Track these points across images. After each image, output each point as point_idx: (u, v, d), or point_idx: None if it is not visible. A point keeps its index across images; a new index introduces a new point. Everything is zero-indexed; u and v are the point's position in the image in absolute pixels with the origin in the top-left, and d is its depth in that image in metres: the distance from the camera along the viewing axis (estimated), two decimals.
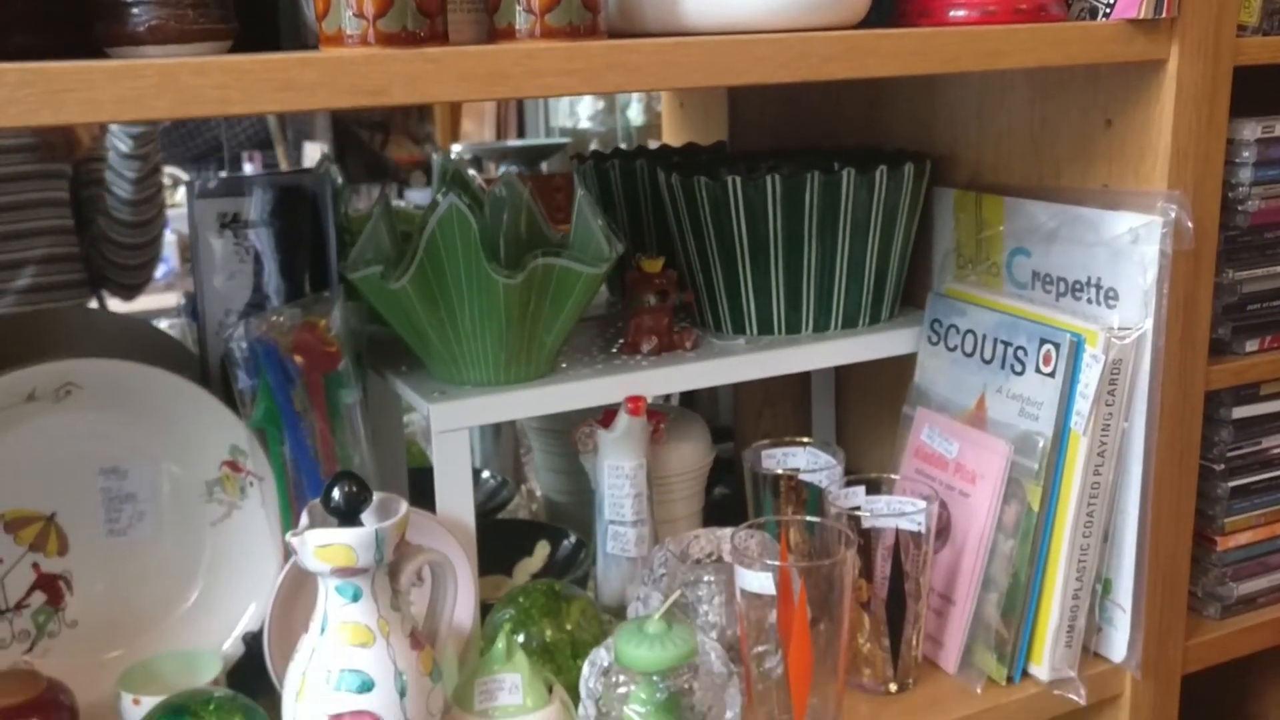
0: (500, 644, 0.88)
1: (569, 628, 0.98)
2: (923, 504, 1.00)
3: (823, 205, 1.06)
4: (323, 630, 0.78)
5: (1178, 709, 1.09)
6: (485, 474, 1.50)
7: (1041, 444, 0.98)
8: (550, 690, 0.89)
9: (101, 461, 1.00)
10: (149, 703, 0.89)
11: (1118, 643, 1.04)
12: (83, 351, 0.97)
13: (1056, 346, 0.98)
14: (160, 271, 2.31)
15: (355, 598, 0.77)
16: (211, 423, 1.00)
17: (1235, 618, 1.13)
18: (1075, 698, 1.01)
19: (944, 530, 1.05)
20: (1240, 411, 1.09)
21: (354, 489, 0.78)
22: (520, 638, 0.96)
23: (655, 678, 0.87)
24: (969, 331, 1.08)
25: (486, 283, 0.93)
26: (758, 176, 1.05)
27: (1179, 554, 1.04)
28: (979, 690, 1.01)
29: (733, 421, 1.50)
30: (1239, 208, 1.03)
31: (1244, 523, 1.12)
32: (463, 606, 0.97)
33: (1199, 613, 1.13)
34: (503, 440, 1.56)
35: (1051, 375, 0.99)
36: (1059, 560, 0.99)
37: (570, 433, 1.12)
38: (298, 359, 0.99)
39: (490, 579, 1.16)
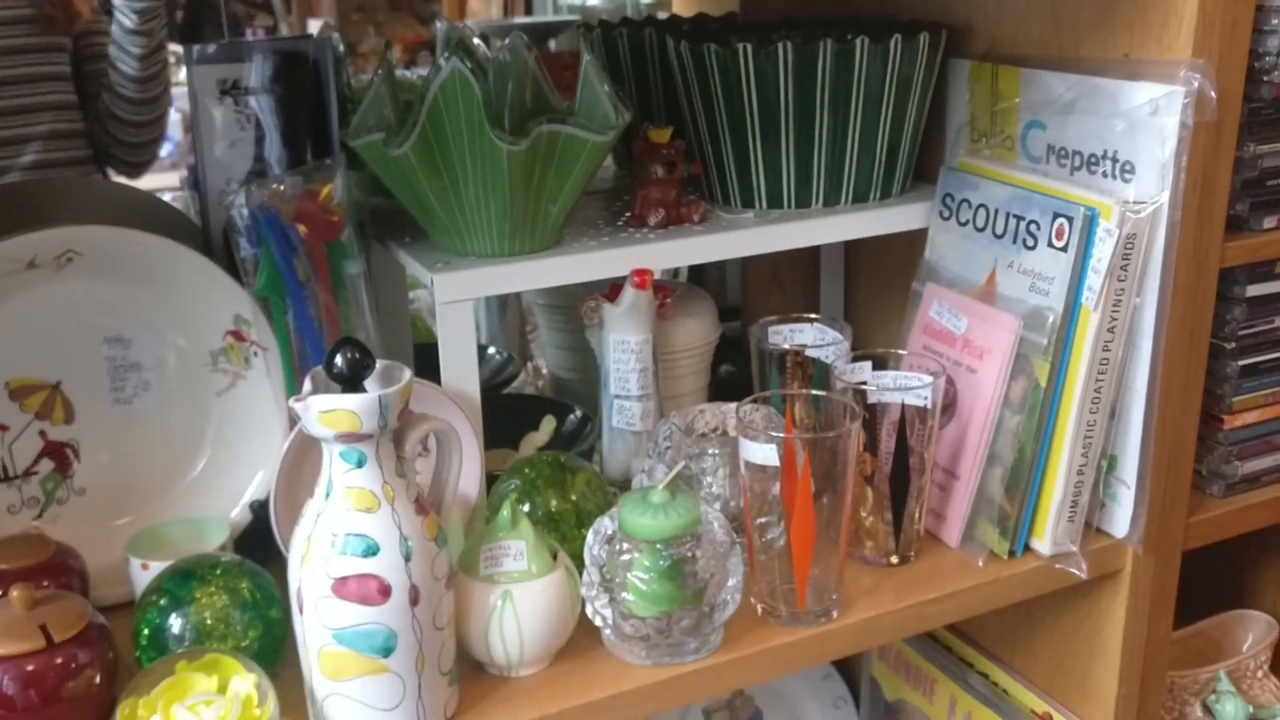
0: (505, 511, 0.88)
1: (574, 498, 0.99)
2: (929, 379, 0.99)
3: (835, 76, 1.03)
4: (327, 495, 0.78)
5: (1177, 585, 1.10)
6: (491, 350, 1.50)
7: (1051, 319, 0.97)
8: (555, 557, 0.89)
9: (105, 330, 1.00)
10: (157, 567, 0.90)
11: (1120, 518, 1.04)
12: (84, 220, 0.96)
13: (1070, 220, 0.97)
14: (165, 150, 2.28)
15: (360, 463, 0.77)
16: (214, 291, 0.99)
17: (1238, 496, 1.13)
18: (1076, 572, 1.01)
19: (950, 406, 1.05)
20: (1254, 289, 1.08)
21: (357, 355, 0.77)
22: (525, 507, 0.97)
23: (658, 546, 0.87)
24: (981, 206, 1.06)
25: (489, 150, 0.91)
26: (769, 45, 1.02)
27: (1186, 432, 1.04)
28: (980, 563, 1.01)
29: (740, 301, 1.49)
30: (1264, 78, 1.00)
31: (1252, 402, 1.11)
32: (468, 477, 0.98)
33: (1202, 491, 1.13)
34: (508, 317, 1.55)
35: (1064, 250, 0.97)
36: (1065, 436, 0.99)
37: (575, 308, 1.11)
38: (300, 227, 0.98)
39: (496, 453, 1.16)
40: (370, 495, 0.77)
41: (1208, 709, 1.23)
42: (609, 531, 0.90)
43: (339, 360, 0.77)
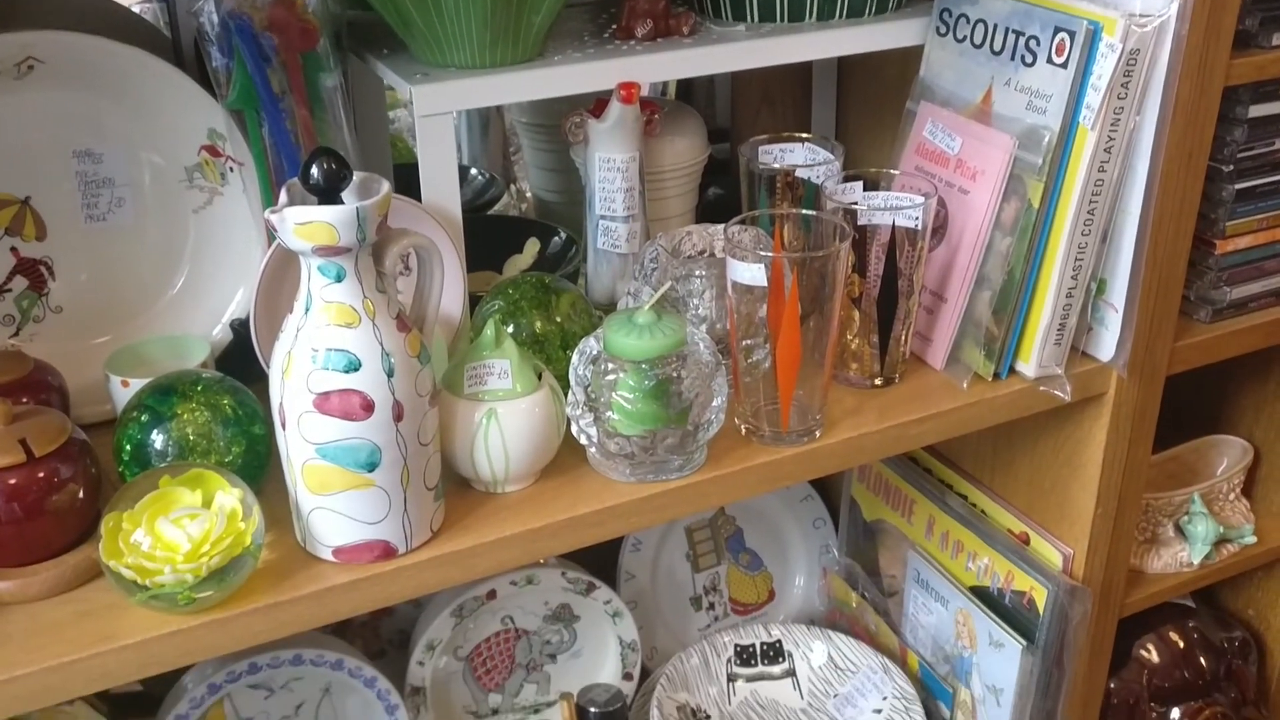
0: (489, 330, 0.87)
1: (558, 320, 0.98)
2: (920, 200, 0.98)
3: None
4: (307, 310, 0.77)
5: (1159, 410, 1.10)
6: (473, 171, 1.47)
7: (1047, 139, 0.95)
8: (539, 377, 0.89)
9: (73, 144, 0.97)
10: (137, 384, 0.89)
11: (1107, 342, 1.04)
12: (44, 26, 0.92)
13: (1071, 35, 0.93)
14: None
15: (339, 278, 0.76)
16: (187, 104, 0.96)
17: (1224, 322, 1.13)
18: (1060, 394, 1.02)
19: (940, 228, 1.03)
20: (1257, 110, 1.05)
21: (333, 165, 0.75)
22: (510, 328, 0.96)
23: (643, 366, 0.87)
24: (980, 21, 1.02)
25: None
26: None
27: (1177, 256, 1.02)
28: (964, 385, 1.02)
29: (729, 122, 1.46)
30: None
31: (1245, 226, 1.10)
32: (451, 297, 0.96)
33: (1189, 316, 1.13)
34: (491, 138, 1.52)
35: (1064, 66, 0.94)
36: (1055, 258, 0.98)
37: (560, 126, 1.08)
38: (273, 36, 0.94)
39: (480, 275, 1.15)
40: (350, 310, 0.76)
41: (1180, 529, 1.25)
42: (594, 352, 0.89)
43: (315, 171, 0.75)
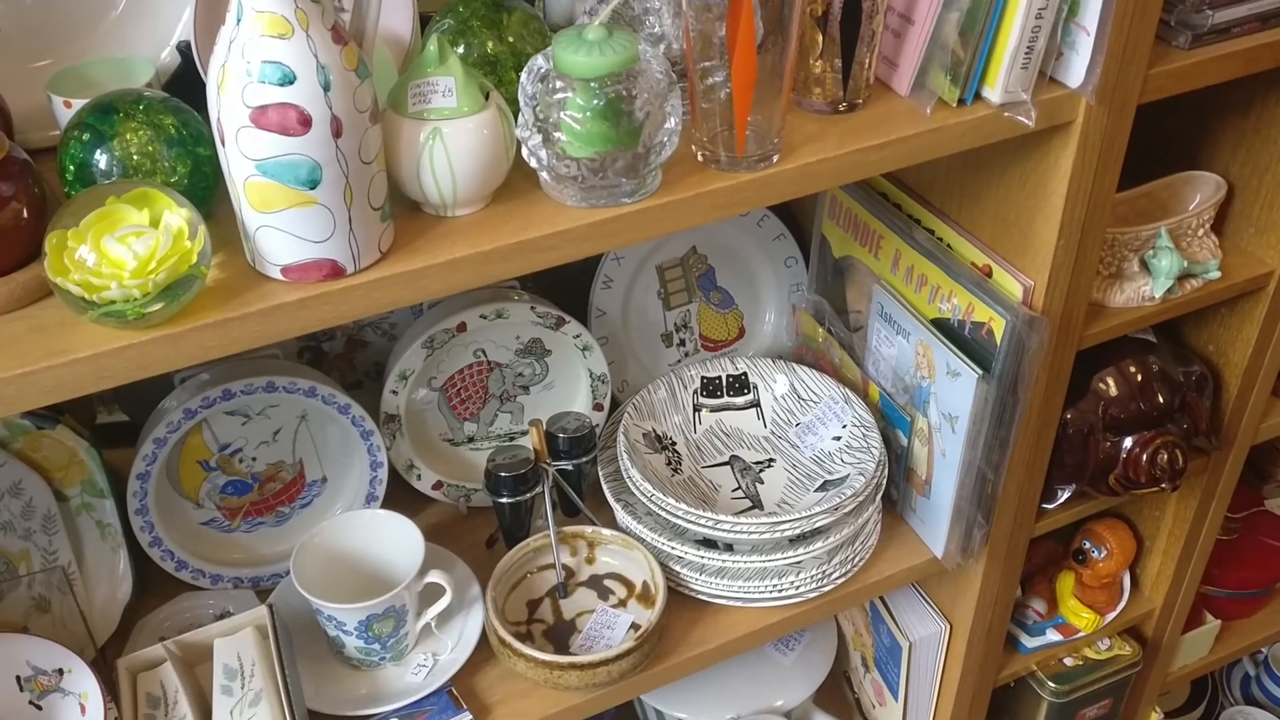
0: (432, 47, 0.85)
1: (510, 40, 0.95)
2: None
3: None
4: (238, 21, 0.74)
5: (1128, 140, 1.09)
6: None
7: None
8: (486, 96, 0.87)
9: None
10: (80, 105, 0.87)
11: (1076, 67, 1.01)
12: None
13: None
14: None
15: None
16: None
17: (1205, 48, 1.09)
18: (1024, 120, 1.00)
19: None
20: None
21: None
22: (460, 49, 0.93)
23: (593, 84, 0.85)
24: None
25: None
26: None
27: None
28: (929, 111, 1.00)
29: None
30: None
31: None
32: (398, 14, 0.93)
33: (1167, 42, 1.09)
34: None
35: None
36: None
37: None
38: None
39: None
40: (282, 20, 0.74)
41: (1144, 264, 1.26)
42: (543, 69, 0.87)
43: None
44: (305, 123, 0.75)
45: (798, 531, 1.19)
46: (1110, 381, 1.32)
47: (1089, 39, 0.99)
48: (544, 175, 0.90)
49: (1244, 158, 1.31)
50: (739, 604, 1.24)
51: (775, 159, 0.94)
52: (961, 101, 1.00)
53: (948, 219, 1.25)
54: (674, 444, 1.33)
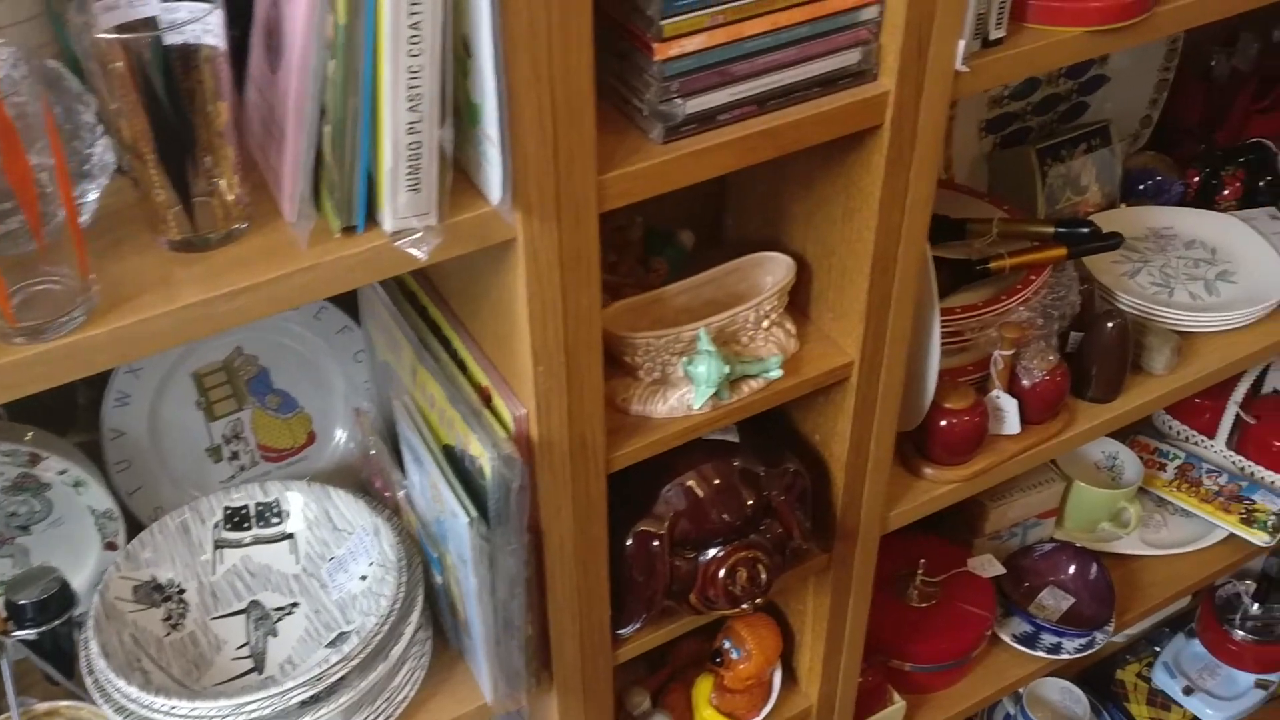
0: None
1: None
2: (203, 7, 0.76)
3: None
4: None
5: (597, 251, 0.93)
6: None
7: None
8: None
9: None
10: None
11: (494, 181, 0.85)
12: None
13: None
14: None
15: None
16: None
17: (686, 139, 0.94)
18: (415, 253, 0.83)
19: (275, 42, 0.82)
20: None
21: None
22: None
23: None
24: None
25: None
26: None
27: (573, 68, 0.82)
28: (304, 245, 0.83)
29: None
30: None
31: (689, 25, 0.89)
32: None
33: (646, 133, 0.94)
34: None
35: None
36: (384, 84, 0.78)
37: None
38: None
39: None
40: None
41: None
42: None
43: None
44: None
45: (307, 695, 1.03)
46: (678, 493, 1.17)
47: (496, 148, 0.83)
48: None
49: (815, 236, 1.17)
50: None
51: (77, 322, 0.77)
52: (351, 229, 0.84)
53: (463, 331, 1.09)
54: (182, 592, 1.16)
